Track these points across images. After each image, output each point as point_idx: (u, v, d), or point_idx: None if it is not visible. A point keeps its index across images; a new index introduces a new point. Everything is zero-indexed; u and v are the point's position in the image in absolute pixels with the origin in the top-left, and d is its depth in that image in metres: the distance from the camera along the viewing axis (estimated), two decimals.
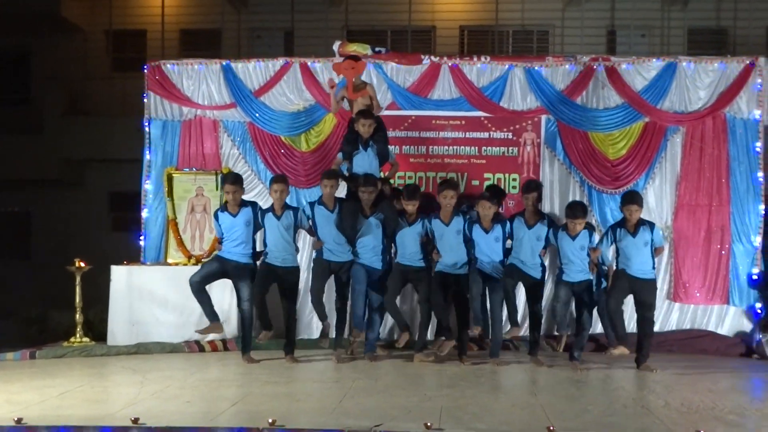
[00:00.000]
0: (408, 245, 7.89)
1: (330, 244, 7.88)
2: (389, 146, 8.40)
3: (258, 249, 7.96)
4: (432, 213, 7.91)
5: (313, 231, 8.00)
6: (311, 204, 8.04)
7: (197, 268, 8.13)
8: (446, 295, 7.80)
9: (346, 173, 8.16)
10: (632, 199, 7.62)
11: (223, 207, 7.95)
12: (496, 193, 8.05)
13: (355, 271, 7.87)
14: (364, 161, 8.04)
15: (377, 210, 7.86)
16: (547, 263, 8.05)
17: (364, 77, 8.88)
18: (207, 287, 7.84)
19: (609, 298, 7.73)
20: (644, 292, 7.56)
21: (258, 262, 7.89)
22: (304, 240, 8.97)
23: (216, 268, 7.85)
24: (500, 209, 8.16)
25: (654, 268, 7.66)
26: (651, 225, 7.63)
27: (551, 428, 5.00)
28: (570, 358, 7.58)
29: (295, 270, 7.94)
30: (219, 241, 8.04)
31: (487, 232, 7.68)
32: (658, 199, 9.25)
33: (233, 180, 7.88)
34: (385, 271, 7.92)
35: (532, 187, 7.87)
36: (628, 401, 6.13)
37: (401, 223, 7.89)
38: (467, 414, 5.59)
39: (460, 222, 7.75)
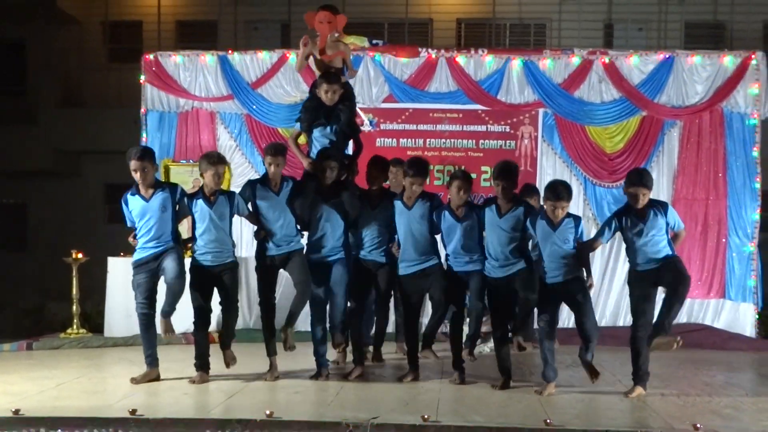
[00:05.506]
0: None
1: (276, 233, 6.39)
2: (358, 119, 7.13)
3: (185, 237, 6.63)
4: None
5: (254, 218, 6.50)
6: (252, 184, 6.53)
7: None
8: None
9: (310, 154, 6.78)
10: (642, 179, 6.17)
11: (134, 189, 6.30)
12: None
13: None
14: (326, 135, 6.71)
15: (341, 190, 6.51)
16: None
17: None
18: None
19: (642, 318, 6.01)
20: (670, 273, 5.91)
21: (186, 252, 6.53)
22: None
23: (147, 279, 6.38)
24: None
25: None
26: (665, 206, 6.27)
27: (548, 421, 5.02)
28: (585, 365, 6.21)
29: (234, 266, 6.46)
30: (134, 235, 6.42)
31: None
32: (655, 193, 9.20)
33: (140, 155, 6.16)
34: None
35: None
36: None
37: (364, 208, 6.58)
38: (464, 406, 5.60)
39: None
